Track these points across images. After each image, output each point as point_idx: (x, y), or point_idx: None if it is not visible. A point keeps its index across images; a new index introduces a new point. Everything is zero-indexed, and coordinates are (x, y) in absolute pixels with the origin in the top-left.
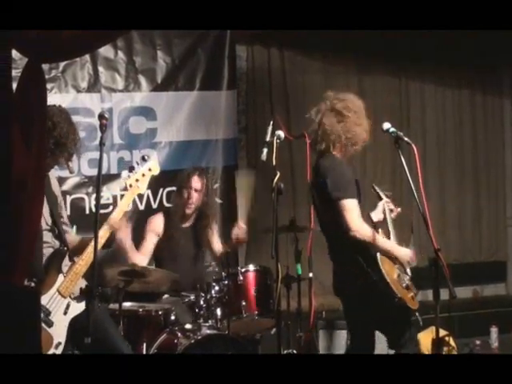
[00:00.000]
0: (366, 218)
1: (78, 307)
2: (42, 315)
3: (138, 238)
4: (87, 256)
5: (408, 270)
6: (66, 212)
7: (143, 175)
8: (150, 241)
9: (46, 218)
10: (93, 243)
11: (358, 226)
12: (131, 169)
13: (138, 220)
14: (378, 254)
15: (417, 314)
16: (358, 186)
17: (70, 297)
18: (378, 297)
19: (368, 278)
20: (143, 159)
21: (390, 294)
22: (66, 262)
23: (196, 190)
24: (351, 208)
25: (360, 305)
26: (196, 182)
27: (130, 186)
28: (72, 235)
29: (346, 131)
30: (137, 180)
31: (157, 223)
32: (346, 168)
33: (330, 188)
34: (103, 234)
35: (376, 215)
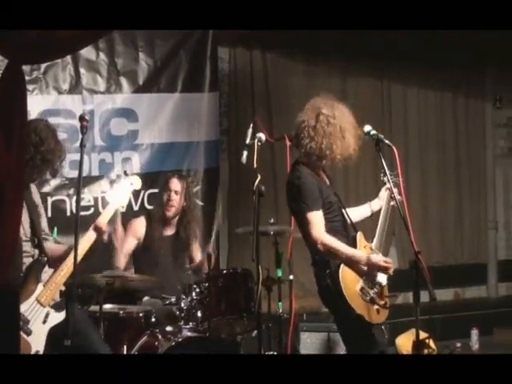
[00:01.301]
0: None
1: (58, 316)
2: (21, 323)
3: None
4: (67, 266)
5: (380, 278)
6: (45, 220)
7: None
8: (130, 243)
9: (25, 228)
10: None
11: (322, 239)
12: (112, 182)
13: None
14: (342, 266)
15: (382, 327)
16: (322, 193)
17: (49, 306)
18: (339, 309)
19: (330, 290)
20: (125, 174)
21: (348, 310)
22: (46, 269)
23: (176, 192)
24: (314, 221)
25: (331, 312)
26: (175, 184)
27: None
28: (52, 244)
29: (323, 142)
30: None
31: (138, 227)
32: (310, 179)
33: (296, 202)
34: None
35: (376, 203)
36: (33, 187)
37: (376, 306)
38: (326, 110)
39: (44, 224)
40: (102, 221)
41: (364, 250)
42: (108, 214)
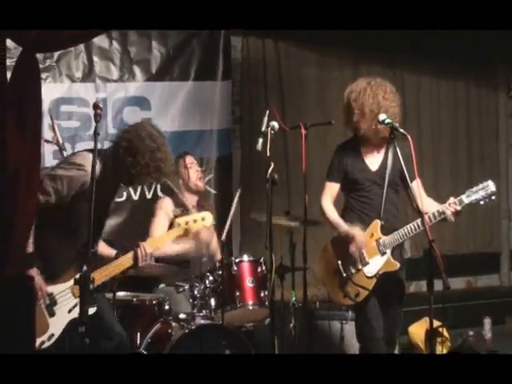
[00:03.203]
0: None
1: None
2: (49, 302)
3: (141, 224)
4: (108, 270)
5: (368, 268)
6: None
7: (195, 221)
8: (164, 224)
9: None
10: (117, 262)
11: (321, 204)
12: (184, 211)
13: (132, 209)
14: (330, 240)
15: (350, 310)
16: (344, 168)
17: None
18: None
19: None
20: (202, 207)
21: None
22: None
23: (192, 165)
24: (325, 188)
25: None
26: (192, 158)
27: (179, 224)
28: (105, 245)
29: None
30: (187, 223)
31: (168, 206)
32: (337, 152)
33: None
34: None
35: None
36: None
37: (344, 291)
38: (357, 88)
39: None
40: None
41: (368, 238)
42: (169, 237)
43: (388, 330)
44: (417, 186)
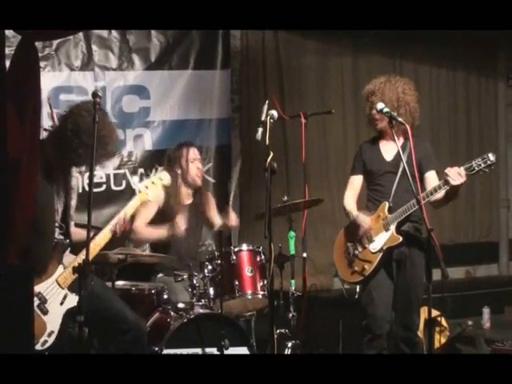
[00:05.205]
0: None
1: (76, 299)
2: (38, 302)
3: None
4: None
5: (372, 245)
6: (75, 201)
7: (153, 183)
8: (151, 208)
9: (58, 213)
10: (95, 240)
11: (343, 199)
12: (142, 176)
13: (132, 197)
14: (345, 226)
15: (357, 287)
16: (361, 161)
17: (67, 288)
18: None
19: None
20: (156, 169)
21: None
22: (67, 253)
23: (194, 161)
24: (348, 183)
25: None
26: (197, 153)
27: (139, 191)
28: (76, 228)
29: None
30: (146, 187)
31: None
32: (359, 148)
33: None
34: (105, 235)
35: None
36: (74, 171)
37: (353, 268)
38: (377, 83)
39: (74, 204)
40: (122, 217)
41: (375, 218)
42: (133, 206)
43: (402, 314)
44: (432, 177)
